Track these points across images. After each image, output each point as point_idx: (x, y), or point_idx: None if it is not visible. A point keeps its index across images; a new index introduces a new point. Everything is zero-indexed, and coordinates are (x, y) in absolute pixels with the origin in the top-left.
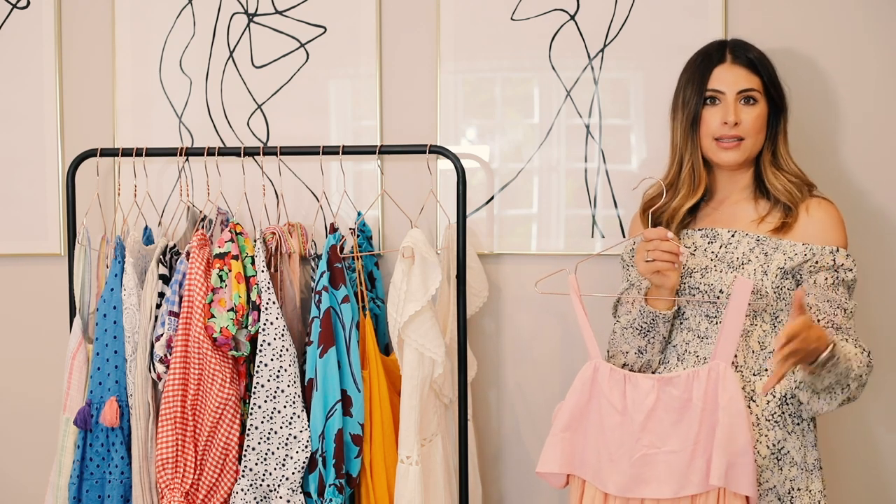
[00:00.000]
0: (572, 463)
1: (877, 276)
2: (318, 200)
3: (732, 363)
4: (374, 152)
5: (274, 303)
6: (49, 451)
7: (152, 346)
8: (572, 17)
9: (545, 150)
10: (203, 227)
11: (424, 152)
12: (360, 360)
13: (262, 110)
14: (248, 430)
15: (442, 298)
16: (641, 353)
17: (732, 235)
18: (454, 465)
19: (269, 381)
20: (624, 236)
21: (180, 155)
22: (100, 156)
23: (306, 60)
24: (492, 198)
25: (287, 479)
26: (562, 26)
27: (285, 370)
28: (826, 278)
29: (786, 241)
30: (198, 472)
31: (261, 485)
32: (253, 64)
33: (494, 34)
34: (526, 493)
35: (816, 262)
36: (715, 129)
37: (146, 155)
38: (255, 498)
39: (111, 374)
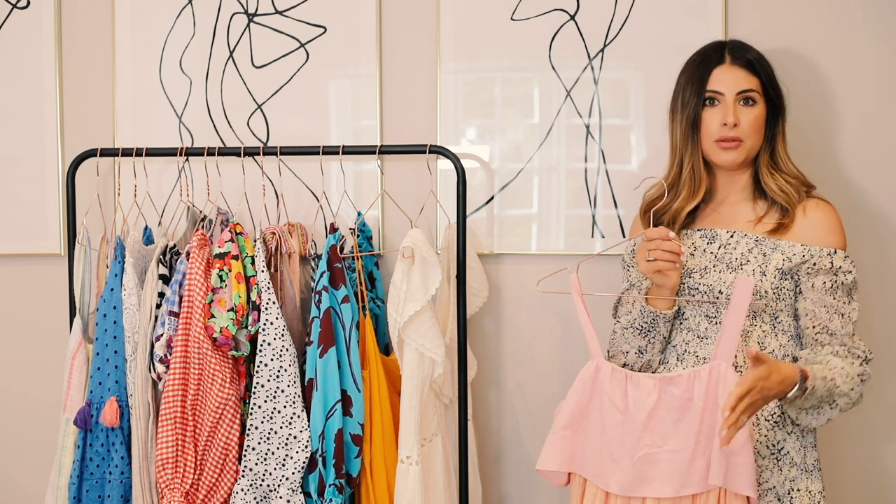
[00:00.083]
0: (572, 461)
1: (876, 278)
2: (318, 200)
3: (732, 363)
4: (374, 152)
5: (274, 303)
6: (49, 451)
7: (152, 346)
8: (572, 17)
9: (545, 150)
10: (203, 227)
11: (424, 152)
12: (360, 360)
13: (262, 110)
14: (248, 430)
15: (442, 298)
16: (642, 353)
17: (731, 236)
18: (454, 465)
19: (269, 381)
20: (624, 236)
21: (180, 155)
22: (100, 156)
23: (306, 60)
24: (492, 198)
25: (287, 479)
26: (562, 26)
27: (285, 370)
28: (824, 282)
29: (784, 241)
30: (198, 472)
31: (261, 485)
32: (253, 64)
33: (494, 34)
34: (526, 493)
35: (814, 265)
36: (714, 130)
37: (146, 155)
38: (255, 498)
39: (111, 374)
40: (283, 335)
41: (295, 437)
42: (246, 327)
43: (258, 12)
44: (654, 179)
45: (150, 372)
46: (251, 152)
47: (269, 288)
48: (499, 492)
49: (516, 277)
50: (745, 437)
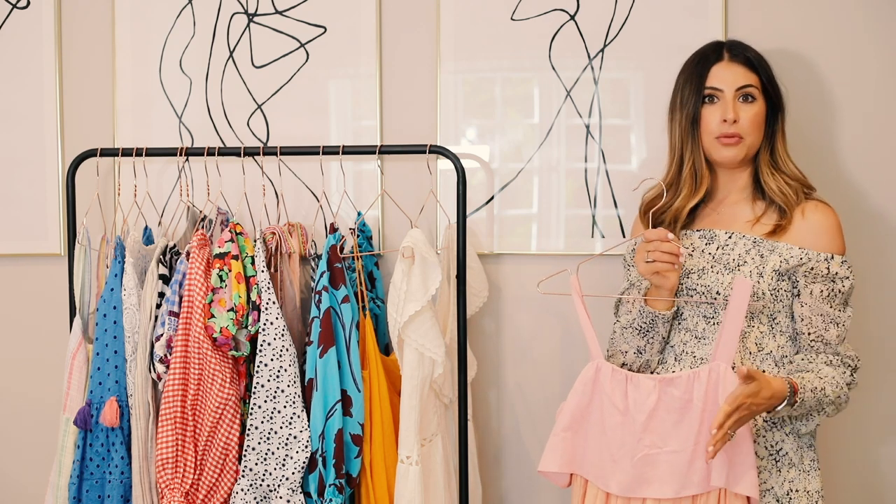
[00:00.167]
0: (573, 462)
1: (875, 279)
2: (318, 200)
3: (732, 364)
4: (374, 152)
5: (274, 303)
6: (49, 451)
7: (152, 346)
8: (572, 17)
9: (545, 150)
10: (203, 227)
11: (424, 152)
12: (360, 360)
13: (262, 110)
14: (248, 430)
15: (442, 298)
16: (640, 353)
17: (729, 237)
18: (454, 465)
19: (269, 381)
20: (624, 236)
21: (180, 155)
22: (100, 156)
23: (306, 60)
24: (492, 198)
25: (287, 479)
26: (562, 26)
27: (285, 370)
28: (821, 290)
29: (782, 243)
30: (198, 472)
31: (261, 485)
32: (253, 64)
33: (494, 34)
34: (526, 493)
35: (811, 269)
36: (714, 127)
37: (146, 155)
38: (255, 498)
39: (111, 374)
40: (283, 335)
41: (295, 437)
42: (246, 327)
43: (258, 12)
44: (653, 181)
45: (150, 372)
46: (251, 152)
47: (269, 288)
48: (499, 492)
49: (516, 277)
50: (747, 438)
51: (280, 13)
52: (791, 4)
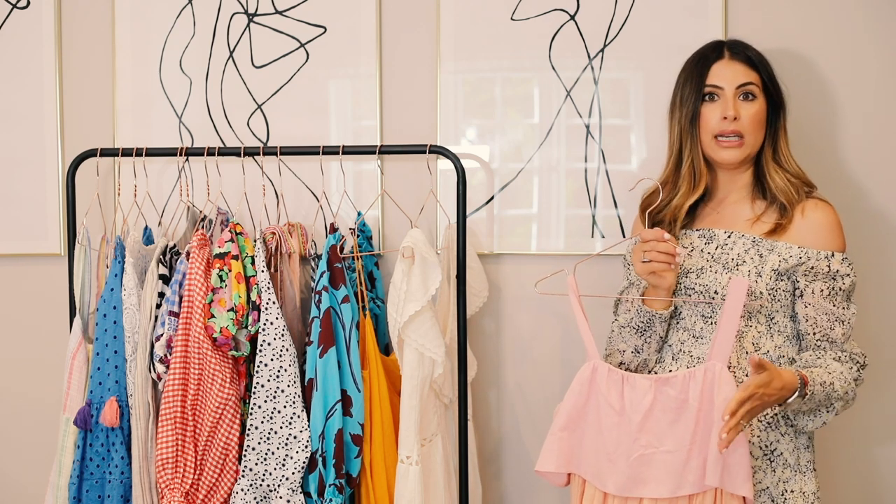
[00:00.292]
0: (570, 462)
1: (876, 278)
2: (318, 200)
3: (727, 364)
4: (374, 152)
5: (274, 303)
6: (49, 451)
7: (152, 346)
8: (572, 17)
9: (545, 150)
10: (203, 227)
11: (424, 152)
12: (360, 360)
13: (262, 110)
14: (248, 430)
15: (442, 298)
16: (638, 352)
17: (729, 236)
18: (454, 465)
19: (269, 381)
20: (624, 236)
21: (180, 155)
22: (100, 156)
23: (306, 60)
24: (492, 198)
25: (287, 479)
26: (562, 26)
27: (285, 370)
28: (822, 289)
29: (781, 243)
30: (198, 472)
31: (261, 485)
32: (253, 64)
33: (494, 34)
34: (526, 492)
35: (812, 268)
36: (714, 125)
37: (146, 155)
38: (255, 498)
39: (111, 374)
40: (283, 335)
41: (295, 437)
42: (246, 327)
43: (258, 12)
44: (650, 181)
45: (150, 372)
46: (251, 152)
47: (269, 288)
48: (499, 492)
49: (516, 277)
50: (741, 438)
51: (280, 13)
52: (791, 4)
